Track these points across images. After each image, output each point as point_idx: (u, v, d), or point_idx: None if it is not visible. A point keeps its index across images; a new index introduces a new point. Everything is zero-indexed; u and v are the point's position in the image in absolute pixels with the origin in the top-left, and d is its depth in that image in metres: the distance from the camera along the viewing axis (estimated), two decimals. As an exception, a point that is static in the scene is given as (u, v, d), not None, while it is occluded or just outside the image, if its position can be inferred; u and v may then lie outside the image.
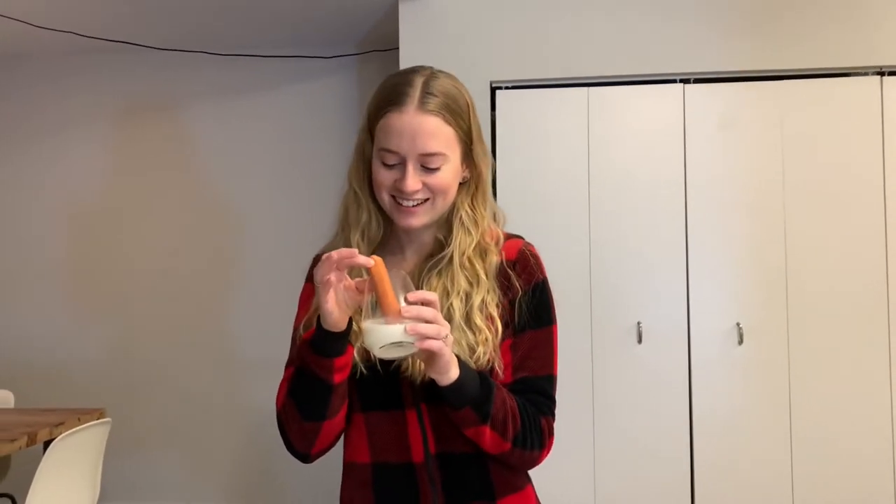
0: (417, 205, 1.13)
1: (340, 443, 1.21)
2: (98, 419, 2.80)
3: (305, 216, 3.92)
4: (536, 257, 1.21)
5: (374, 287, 0.99)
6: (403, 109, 1.11)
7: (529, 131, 3.36)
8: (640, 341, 3.24)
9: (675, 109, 3.30)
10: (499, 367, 1.13)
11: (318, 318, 1.05)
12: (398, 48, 3.44)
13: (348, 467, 1.21)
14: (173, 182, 4.29)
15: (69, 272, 4.30)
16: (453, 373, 1.04)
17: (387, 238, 1.22)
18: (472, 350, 1.11)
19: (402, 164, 1.11)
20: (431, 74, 1.15)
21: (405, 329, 0.96)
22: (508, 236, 1.23)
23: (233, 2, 3.54)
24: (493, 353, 1.12)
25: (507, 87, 3.40)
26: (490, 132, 3.35)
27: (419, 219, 1.15)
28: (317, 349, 1.06)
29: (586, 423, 3.25)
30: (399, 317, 0.96)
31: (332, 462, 1.29)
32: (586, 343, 3.26)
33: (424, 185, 1.12)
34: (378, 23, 3.81)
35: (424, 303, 0.99)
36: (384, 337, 0.97)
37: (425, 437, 1.14)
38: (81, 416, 2.90)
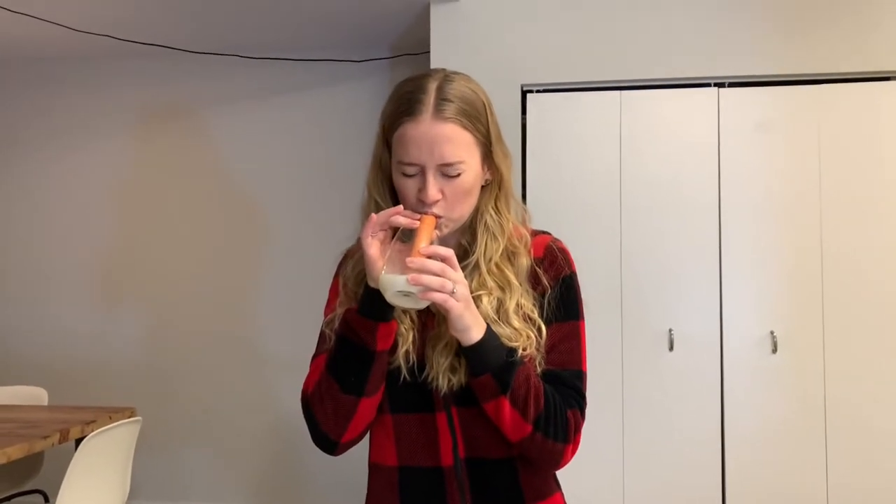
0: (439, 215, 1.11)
1: (365, 442, 1.20)
2: (129, 418, 2.83)
3: (335, 218, 3.93)
4: (564, 251, 1.19)
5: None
6: (419, 119, 1.08)
7: (560, 135, 3.33)
8: (671, 348, 3.20)
9: (709, 114, 3.25)
10: (539, 366, 1.11)
11: (365, 286, 1.07)
12: (429, 52, 3.44)
13: (374, 468, 1.20)
14: (204, 183, 4.33)
15: (101, 272, 4.37)
16: (475, 334, 1.04)
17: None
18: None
19: (422, 172, 1.09)
20: (445, 78, 1.12)
21: (408, 279, 0.98)
22: (535, 233, 1.21)
23: (265, 6, 3.57)
24: (534, 351, 1.10)
25: (538, 91, 3.38)
26: (521, 136, 3.33)
27: (440, 230, 1.12)
28: (363, 309, 1.07)
29: (616, 430, 3.20)
30: (414, 259, 0.99)
31: (359, 462, 1.28)
32: (617, 349, 3.22)
33: (444, 193, 1.09)
34: (410, 27, 3.82)
35: (436, 257, 1.00)
36: (391, 284, 0.99)
37: (455, 441, 1.13)
38: (112, 414, 2.94)
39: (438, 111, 1.08)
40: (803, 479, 3.11)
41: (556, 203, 3.27)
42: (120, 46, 4.03)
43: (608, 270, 3.24)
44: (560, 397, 1.11)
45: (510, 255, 1.15)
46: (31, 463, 3.11)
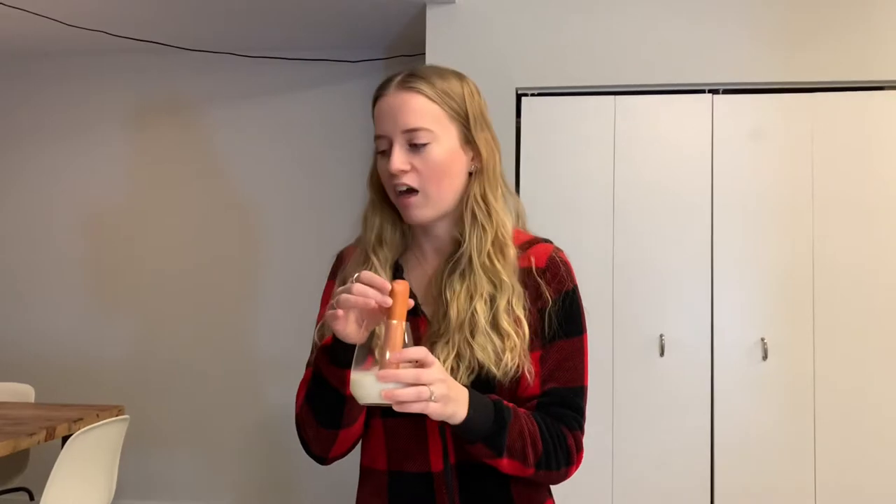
0: (407, 191, 1.10)
1: (358, 446, 1.20)
2: (116, 416, 2.81)
3: (328, 218, 3.93)
4: (566, 264, 1.17)
5: (386, 317, 0.96)
6: (388, 92, 1.12)
7: (555, 139, 3.33)
8: (662, 354, 3.20)
9: (703, 120, 3.25)
10: (528, 373, 1.10)
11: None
12: (425, 53, 3.43)
13: (365, 472, 1.19)
14: (195, 182, 4.31)
15: (90, 270, 4.34)
16: (459, 416, 0.99)
17: (409, 241, 1.20)
18: (500, 357, 1.07)
19: (391, 146, 1.10)
20: (422, 65, 1.16)
21: (381, 394, 0.92)
22: (536, 240, 1.19)
23: (261, 5, 3.56)
24: (521, 358, 1.08)
25: (532, 94, 3.38)
26: (515, 139, 3.32)
27: (418, 211, 1.11)
28: (332, 359, 1.04)
29: (606, 436, 3.20)
30: (386, 372, 0.93)
31: (350, 464, 1.28)
32: (608, 354, 3.22)
33: (415, 165, 1.09)
34: (405, 27, 3.81)
35: (408, 361, 0.94)
36: (365, 395, 0.94)
37: (445, 447, 1.12)
38: (100, 412, 2.92)
39: (403, 82, 1.11)
40: (792, 485, 3.11)
41: (549, 206, 3.26)
42: (114, 42, 4.00)
43: (600, 275, 3.24)
44: (559, 424, 1.10)
45: (501, 248, 1.13)
46: (17, 460, 3.09)
